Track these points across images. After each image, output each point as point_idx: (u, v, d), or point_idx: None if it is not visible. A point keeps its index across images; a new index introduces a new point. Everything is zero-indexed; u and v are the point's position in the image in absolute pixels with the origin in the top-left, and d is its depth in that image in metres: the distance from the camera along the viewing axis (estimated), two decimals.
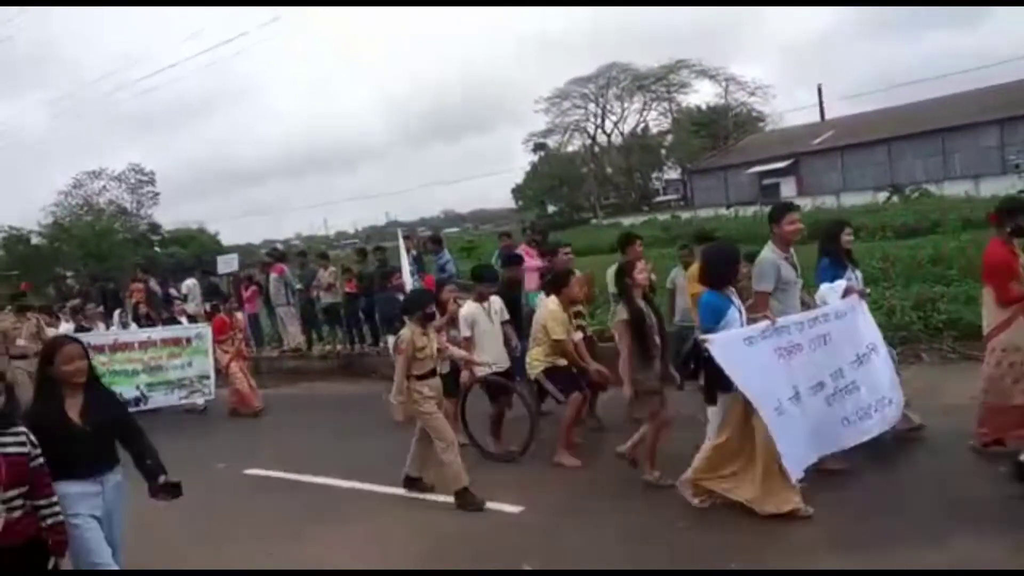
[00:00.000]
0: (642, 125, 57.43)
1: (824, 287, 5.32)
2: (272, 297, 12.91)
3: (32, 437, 3.31)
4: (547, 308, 6.36)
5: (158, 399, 9.94)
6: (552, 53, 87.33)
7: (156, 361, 9.99)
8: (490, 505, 5.47)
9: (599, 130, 57.60)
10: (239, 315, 11.01)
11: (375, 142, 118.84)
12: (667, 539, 4.63)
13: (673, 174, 59.02)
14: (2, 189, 68.41)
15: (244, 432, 9.21)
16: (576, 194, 55.22)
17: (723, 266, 4.93)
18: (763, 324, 4.77)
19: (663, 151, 58.08)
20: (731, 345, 4.60)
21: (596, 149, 57.77)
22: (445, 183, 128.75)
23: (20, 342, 8.64)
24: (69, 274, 32.20)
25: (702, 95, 57.48)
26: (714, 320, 4.76)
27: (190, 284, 14.42)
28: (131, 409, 9.12)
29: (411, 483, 5.93)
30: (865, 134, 40.08)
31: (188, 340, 10.30)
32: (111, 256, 36.39)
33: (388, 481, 6.18)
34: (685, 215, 36.43)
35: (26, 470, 3.24)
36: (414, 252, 12.40)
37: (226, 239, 47.48)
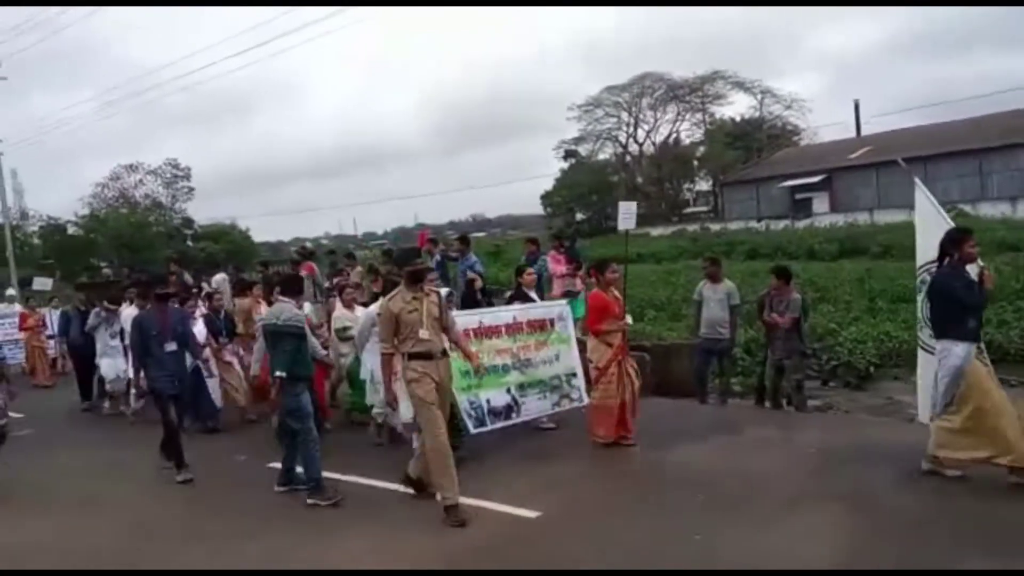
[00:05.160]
0: (674, 136, 57.23)
1: None
2: None
3: None
4: None
5: (531, 406, 7.29)
6: (586, 62, 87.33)
7: (525, 353, 7.36)
8: (507, 509, 5.48)
9: (631, 139, 57.48)
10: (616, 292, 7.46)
11: (408, 145, 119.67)
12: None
13: (704, 185, 58.58)
14: (41, 180, 69.95)
15: (265, 427, 9.10)
16: (605, 202, 55.07)
17: None
18: None
19: (695, 162, 57.72)
20: None
21: (627, 158, 57.57)
22: (475, 188, 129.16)
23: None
24: (103, 264, 32.76)
25: (737, 107, 57.09)
26: None
27: (219, 279, 14.56)
28: (500, 424, 6.90)
29: None
30: (901, 152, 39.37)
31: (551, 323, 7.68)
32: (145, 248, 36.97)
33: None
34: (715, 227, 36.14)
35: None
36: (438, 256, 12.35)
37: (257, 236, 48.12)
